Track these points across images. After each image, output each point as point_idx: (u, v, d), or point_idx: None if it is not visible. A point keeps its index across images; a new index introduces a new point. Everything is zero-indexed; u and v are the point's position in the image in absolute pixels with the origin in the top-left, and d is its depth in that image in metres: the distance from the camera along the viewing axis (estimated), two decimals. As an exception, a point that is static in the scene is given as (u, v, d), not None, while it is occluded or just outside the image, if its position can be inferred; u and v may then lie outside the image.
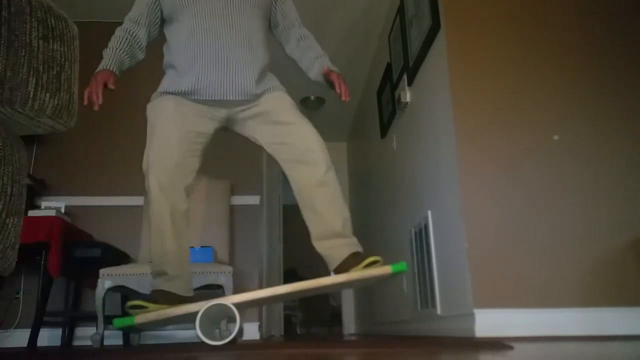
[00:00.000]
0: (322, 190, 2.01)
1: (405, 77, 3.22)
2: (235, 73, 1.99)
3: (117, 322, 1.86)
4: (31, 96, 0.97)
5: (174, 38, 2.04)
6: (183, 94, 1.99)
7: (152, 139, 1.93)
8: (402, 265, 1.90)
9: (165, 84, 2.04)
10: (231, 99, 1.99)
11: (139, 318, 1.83)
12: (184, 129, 1.95)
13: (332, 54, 4.45)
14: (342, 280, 1.88)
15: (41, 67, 0.99)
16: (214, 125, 2.05)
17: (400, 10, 3.34)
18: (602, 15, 2.48)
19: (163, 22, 2.13)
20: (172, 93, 2.00)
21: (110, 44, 2.03)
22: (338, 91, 2.06)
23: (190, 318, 1.94)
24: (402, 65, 3.30)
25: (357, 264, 1.91)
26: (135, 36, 2.06)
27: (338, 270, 1.95)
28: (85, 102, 1.84)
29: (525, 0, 2.49)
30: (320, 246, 2.02)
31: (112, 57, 1.99)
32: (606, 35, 2.45)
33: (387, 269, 1.88)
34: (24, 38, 0.97)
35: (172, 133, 1.93)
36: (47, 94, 1.00)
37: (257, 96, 2.04)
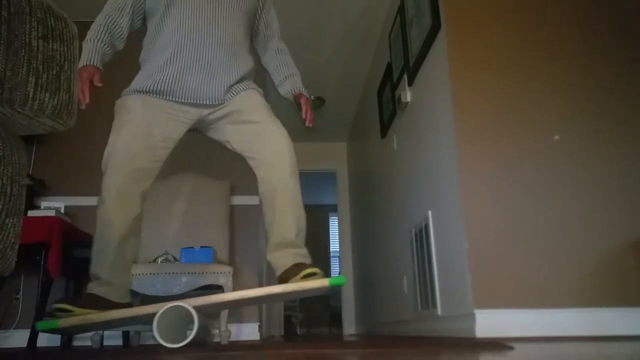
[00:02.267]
0: (283, 193, 1.96)
1: (405, 77, 3.22)
2: (214, 77, 1.95)
3: (40, 324, 1.78)
4: (31, 96, 0.97)
5: (156, 33, 1.99)
6: (156, 92, 1.93)
7: (116, 140, 1.86)
8: (339, 279, 1.86)
9: (139, 80, 1.97)
10: (206, 103, 1.96)
11: (63, 322, 1.75)
12: (150, 134, 1.89)
13: (332, 54, 4.45)
14: (278, 292, 1.83)
15: (41, 67, 0.99)
16: (182, 129, 2.00)
17: (401, 10, 3.34)
18: (602, 15, 2.48)
19: (146, 14, 2.06)
20: (143, 92, 1.94)
21: (90, 35, 1.94)
22: (304, 116, 2.09)
23: (127, 322, 1.87)
24: (403, 65, 3.30)
25: (296, 274, 1.86)
26: (116, 24, 1.98)
27: (280, 280, 1.92)
28: None
29: (525, 0, 2.49)
30: (270, 257, 1.97)
31: (94, 50, 1.91)
32: (606, 35, 2.45)
33: (324, 282, 1.82)
34: (23, 38, 0.97)
35: (137, 138, 1.86)
36: (47, 94, 1.00)
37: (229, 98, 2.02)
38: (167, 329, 1.70)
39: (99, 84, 1.84)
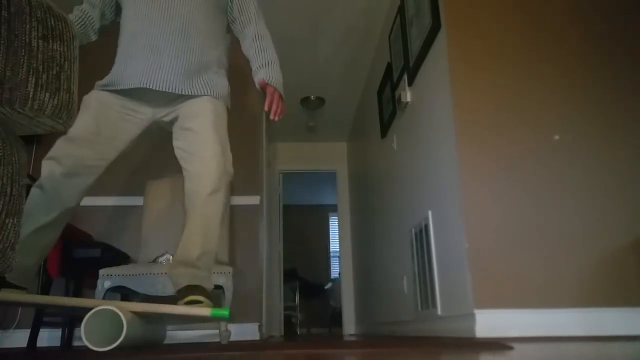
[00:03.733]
0: (197, 213, 1.88)
1: (405, 77, 3.22)
2: (162, 62, 1.90)
3: None
4: (31, 96, 0.97)
5: (121, 25, 2.04)
6: (109, 84, 1.93)
7: (71, 131, 1.85)
8: (223, 311, 1.76)
9: (105, 78, 1.98)
10: (153, 87, 1.88)
11: None
12: (99, 133, 1.88)
13: (332, 54, 4.45)
14: (170, 311, 1.74)
15: (41, 67, 0.99)
16: (135, 130, 1.97)
17: (401, 10, 3.34)
18: (602, 15, 2.48)
19: (119, 7, 2.12)
20: (101, 85, 1.95)
21: None
22: (266, 108, 1.97)
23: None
24: (403, 65, 3.30)
25: (182, 298, 1.81)
26: (89, 17, 2.08)
27: (176, 299, 1.87)
28: None
29: (525, 1, 2.49)
30: (169, 271, 1.93)
31: None
32: (606, 35, 2.45)
33: (206, 311, 1.74)
34: (23, 38, 0.97)
35: (85, 133, 1.86)
36: (47, 94, 1.00)
37: (184, 98, 1.96)
38: (101, 331, 1.65)
39: None
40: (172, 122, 2.02)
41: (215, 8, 2.07)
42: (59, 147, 1.84)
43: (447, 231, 2.41)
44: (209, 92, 1.97)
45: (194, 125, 1.93)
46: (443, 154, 2.48)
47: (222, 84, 2.05)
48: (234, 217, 3.49)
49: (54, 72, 1.02)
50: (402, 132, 3.38)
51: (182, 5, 1.97)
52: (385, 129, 3.89)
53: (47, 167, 1.81)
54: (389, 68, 3.76)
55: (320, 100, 5.26)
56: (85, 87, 2.02)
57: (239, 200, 3.53)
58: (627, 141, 2.31)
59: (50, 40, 1.02)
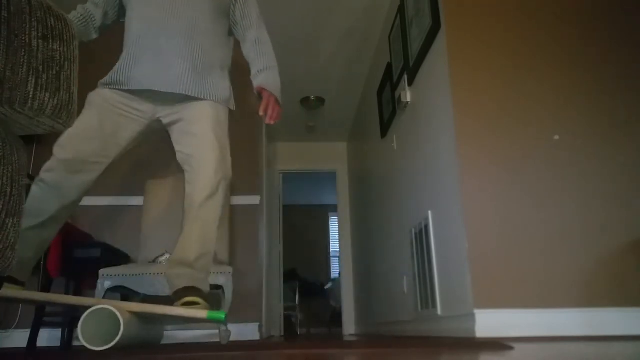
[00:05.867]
0: (195, 216, 1.91)
1: (405, 77, 3.22)
2: (167, 63, 1.92)
3: None
4: (31, 96, 0.97)
5: (126, 27, 2.05)
6: (113, 83, 1.94)
7: (70, 129, 1.86)
8: (219, 314, 1.79)
9: (108, 75, 2.00)
10: (160, 90, 1.91)
11: None
12: (102, 129, 1.90)
13: (332, 54, 4.45)
14: (167, 312, 1.77)
15: (41, 67, 0.99)
16: (136, 128, 1.99)
17: (401, 10, 3.34)
18: (602, 15, 2.48)
19: (123, 8, 2.14)
20: (104, 84, 1.96)
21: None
22: (261, 113, 1.97)
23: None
24: (403, 65, 3.30)
25: (179, 299, 1.84)
26: (92, 15, 2.10)
27: (173, 299, 1.90)
28: None
29: (525, 1, 2.49)
30: (168, 271, 1.95)
31: None
32: (606, 35, 2.45)
33: (203, 314, 1.77)
34: (23, 38, 0.97)
35: (88, 130, 1.88)
36: (47, 94, 1.00)
37: (187, 99, 1.97)
38: (96, 331, 1.65)
39: None
40: (171, 124, 2.03)
41: (218, 11, 2.09)
42: (62, 143, 1.85)
43: (447, 231, 2.41)
44: (212, 97, 2.00)
45: (195, 130, 1.95)
46: (443, 154, 2.48)
47: (225, 86, 2.08)
48: (234, 217, 3.49)
49: (54, 72, 1.02)
50: (402, 132, 3.38)
51: (187, 8, 1.99)
52: (385, 129, 3.89)
53: (50, 163, 1.83)
54: (389, 68, 3.76)
55: (320, 100, 5.26)
56: (92, 86, 2.03)
57: (239, 200, 3.53)
58: (627, 141, 2.31)
59: (50, 40, 1.02)
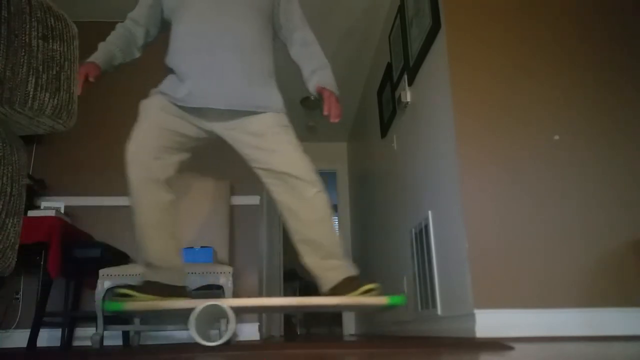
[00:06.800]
0: (317, 221, 1.94)
1: (405, 77, 3.22)
2: (223, 79, 1.91)
3: (107, 305, 1.85)
4: (31, 96, 0.97)
5: (171, 40, 2.02)
6: (173, 99, 1.94)
7: (134, 133, 1.91)
8: (400, 299, 1.84)
9: (164, 85, 2.00)
10: (219, 107, 1.91)
11: (127, 305, 1.82)
12: (164, 126, 1.91)
13: (332, 54, 4.45)
14: (345, 303, 1.85)
15: (41, 66, 0.99)
16: (197, 132, 1.99)
17: (401, 10, 3.34)
18: (602, 15, 2.48)
19: (165, 23, 2.11)
20: (162, 93, 1.97)
21: (108, 38, 2.05)
22: (326, 112, 1.98)
23: (179, 314, 1.93)
24: (403, 65, 3.30)
25: (354, 289, 1.86)
26: (132, 34, 2.08)
27: (333, 292, 1.91)
28: None
29: (525, 1, 2.49)
30: (316, 266, 1.96)
31: (104, 50, 1.99)
32: (606, 35, 2.45)
33: (383, 300, 1.82)
34: (23, 38, 0.97)
35: (152, 128, 1.90)
36: (47, 94, 1.00)
37: (246, 114, 1.96)
38: (199, 326, 1.77)
39: (92, 79, 1.89)
40: (232, 138, 2.00)
41: (265, 19, 2.06)
42: (130, 147, 1.88)
43: (447, 231, 2.41)
44: (271, 109, 1.99)
45: (267, 144, 1.94)
46: (443, 154, 2.48)
47: (277, 93, 2.06)
48: (234, 217, 3.49)
49: (54, 72, 1.02)
50: (402, 132, 3.38)
51: (235, 20, 1.96)
52: (385, 128, 3.89)
53: (132, 172, 1.87)
54: (389, 68, 3.76)
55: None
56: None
57: (239, 200, 3.53)
58: (627, 141, 2.31)
59: (50, 40, 1.02)
